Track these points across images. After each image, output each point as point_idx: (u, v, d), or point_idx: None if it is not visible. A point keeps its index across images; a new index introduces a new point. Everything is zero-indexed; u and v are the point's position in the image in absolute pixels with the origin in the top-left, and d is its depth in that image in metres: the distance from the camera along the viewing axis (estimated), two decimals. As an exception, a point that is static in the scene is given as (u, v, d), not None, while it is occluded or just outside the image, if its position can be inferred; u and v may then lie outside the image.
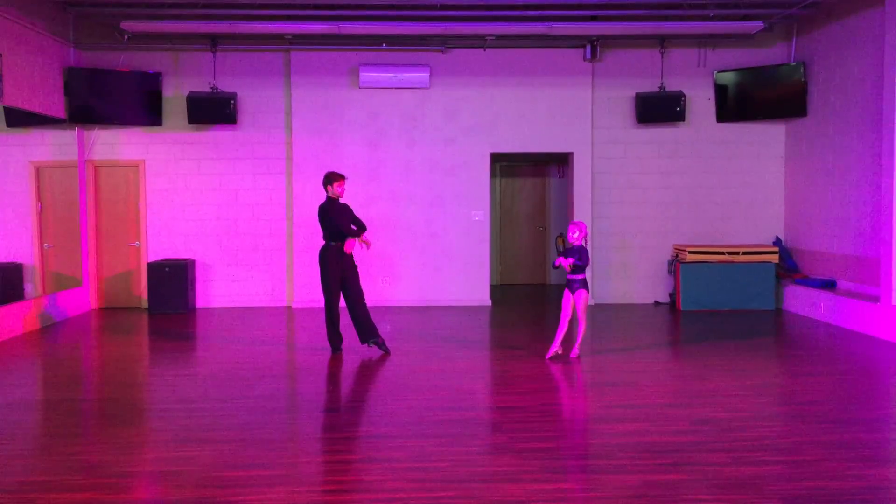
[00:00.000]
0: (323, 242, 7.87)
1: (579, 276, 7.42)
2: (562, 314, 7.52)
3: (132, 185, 11.27)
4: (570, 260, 7.33)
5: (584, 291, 7.43)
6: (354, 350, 7.97)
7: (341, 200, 7.95)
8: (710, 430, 5.26)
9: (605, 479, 4.35)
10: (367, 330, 7.86)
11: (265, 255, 11.39)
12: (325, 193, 7.92)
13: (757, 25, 10.10)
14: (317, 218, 7.97)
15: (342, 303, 7.88)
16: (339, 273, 7.78)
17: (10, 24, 8.93)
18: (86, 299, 10.97)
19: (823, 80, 10.34)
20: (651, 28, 10.24)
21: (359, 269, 8.02)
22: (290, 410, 5.99)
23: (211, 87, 10.93)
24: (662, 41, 11.17)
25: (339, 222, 7.73)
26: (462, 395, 6.24)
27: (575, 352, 7.62)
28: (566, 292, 7.49)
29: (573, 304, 7.47)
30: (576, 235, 7.42)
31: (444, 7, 9.72)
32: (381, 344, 7.87)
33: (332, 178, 7.83)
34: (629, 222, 11.52)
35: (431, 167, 11.35)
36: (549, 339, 7.98)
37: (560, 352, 7.63)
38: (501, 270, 14.02)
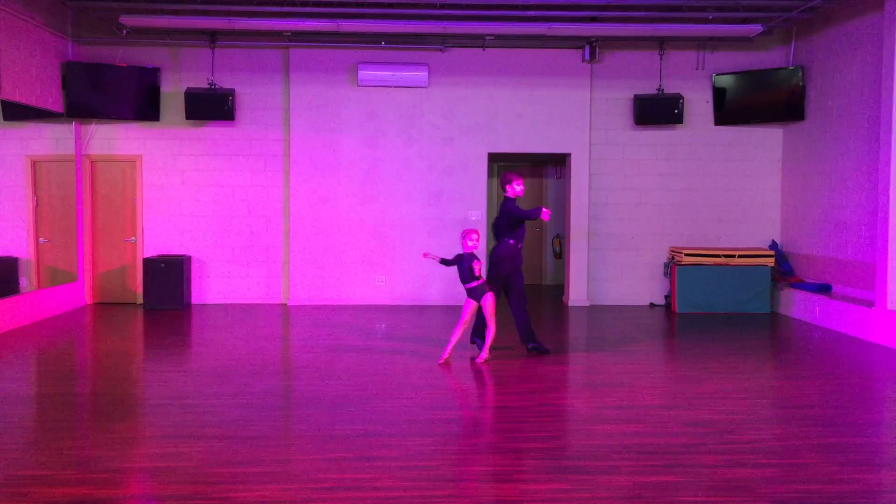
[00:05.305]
0: (504, 240, 7.70)
1: (476, 283, 7.28)
2: (459, 321, 7.36)
3: (129, 180, 11.25)
4: (438, 258, 7.46)
5: (489, 294, 7.29)
6: (349, 347, 7.96)
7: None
8: (704, 432, 5.26)
9: (598, 480, 4.35)
10: (526, 334, 7.82)
11: (261, 253, 11.37)
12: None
13: (756, 29, 10.12)
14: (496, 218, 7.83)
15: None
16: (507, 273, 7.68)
17: (8, 17, 8.91)
18: (81, 294, 10.95)
19: (821, 84, 10.35)
20: (650, 30, 10.25)
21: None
22: (283, 408, 5.98)
23: (209, 83, 10.92)
24: (661, 43, 11.18)
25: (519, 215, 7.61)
26: (456, 395, 6.24)
27: (483, 356, 7.41)
28: (468, 301, 7.32)
29: (477, 309, 7.32)
30: (469, 244, 7.28)
31: (443, 6, 9.72)
32: (539, 347, 7.83)
33: (510, 178, 7.73)
34: (626, 224, 11.53)
35: (429, 166, 11.34)
36: (545, 339, 7.97)
37: (449, 359, 7.40)
38: (498, 270, 13.99)
